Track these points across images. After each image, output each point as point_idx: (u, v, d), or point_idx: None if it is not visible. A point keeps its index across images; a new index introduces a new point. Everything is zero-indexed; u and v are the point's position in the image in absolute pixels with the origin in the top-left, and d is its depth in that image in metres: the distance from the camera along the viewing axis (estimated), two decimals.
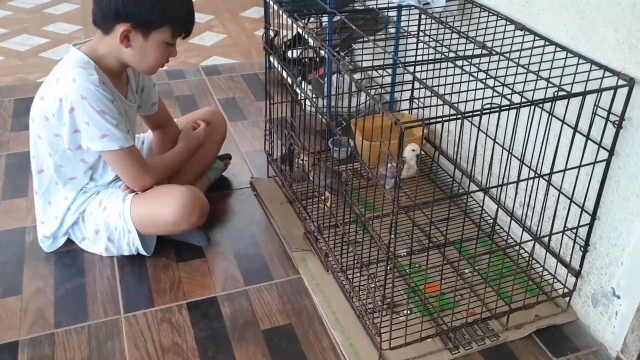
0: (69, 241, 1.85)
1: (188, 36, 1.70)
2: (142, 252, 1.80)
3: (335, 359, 1.53)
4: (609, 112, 1.40)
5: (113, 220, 1.75)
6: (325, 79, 2.37)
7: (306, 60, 2.58)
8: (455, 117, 1.24)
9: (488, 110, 1.27)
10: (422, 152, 2.25)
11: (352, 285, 1.65)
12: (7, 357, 1.51)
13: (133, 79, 1.82)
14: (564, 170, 1.48)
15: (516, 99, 1.37)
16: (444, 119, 1.25)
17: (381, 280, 1.47)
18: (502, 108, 1.28)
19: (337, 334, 1.58)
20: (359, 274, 1.68)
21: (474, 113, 1.26)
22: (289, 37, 2.51)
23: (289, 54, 2.62)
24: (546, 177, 1.50)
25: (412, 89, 2.24)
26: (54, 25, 3.76)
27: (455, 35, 1.67)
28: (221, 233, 1.97)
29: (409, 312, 1.61)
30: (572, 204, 1.56)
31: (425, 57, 1.52)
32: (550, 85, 1.38)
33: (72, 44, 1.68)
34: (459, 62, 1.50)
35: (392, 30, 2.27)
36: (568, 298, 1.67)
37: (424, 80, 1.40)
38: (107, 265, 1.80)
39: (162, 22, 1.60)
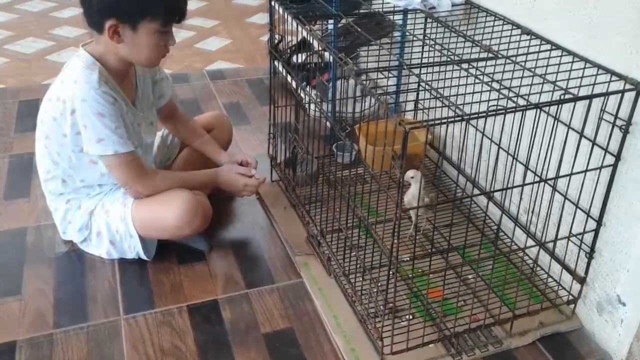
0: (70, 243, 1.85)
1: (182, 21, 1.62)
2: (143, 256, 1.79)
3: None
4: (616, 116, 1.38)
5: (115, 224, 1.74)
6: (330, 83, 2.37)
7: (311, 65, 2.58)
8: (459, 119, 1.23)
9: (493, 113, 1.27)
10: (426, 157, 2.24)
11: (354, 290, 1.64)
12: (5, 358, 1.50)
13: (142, 80, 1.80)
14: (570, 175, 1.47)
15: (521, 103, 1.36)
16: (448, 121, 1.24)
17: (383, 285, 1.46)
18: (508, 110, 1.27)
19: (338, 338, 1.56)
20: (361, 279, 1.66)
21: (479, 115, 1.25)
22: (294, 42, 2.51)
23: (294, 58, 2.62)
24: (551, 182, 1.48)
25: (417, 91, 2.23)
26: (60, 28, 3.77)
27: (460, 39, 1.67)
28: (224, 236, 1.95)
29: (411, 317, 1.60)
30: (578, 209, 1.55)
31: (430, 61, 1.51)
32: (556, 88, 1.37)
33: (82, 44, 1.67)
34: (464, 66, 1.49)
35: (398, 34, 2.27)
36: (573, 305, 1.65)
37: (429, 83, 1.39)
38: (108, 267, 1.79)
39: (146, 12, 1.54)
